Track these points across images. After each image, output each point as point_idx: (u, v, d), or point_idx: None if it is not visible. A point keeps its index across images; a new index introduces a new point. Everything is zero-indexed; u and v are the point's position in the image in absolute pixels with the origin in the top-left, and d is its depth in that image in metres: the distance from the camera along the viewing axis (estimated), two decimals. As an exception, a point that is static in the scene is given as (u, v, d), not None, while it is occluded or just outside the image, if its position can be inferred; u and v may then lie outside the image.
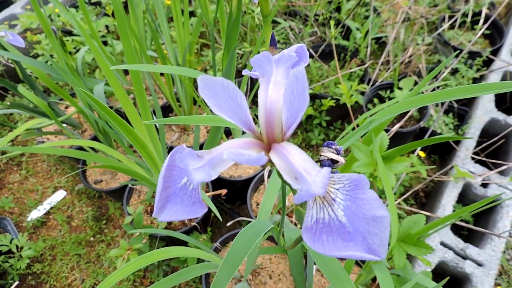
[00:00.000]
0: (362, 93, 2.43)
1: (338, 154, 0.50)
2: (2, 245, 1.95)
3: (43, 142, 2.27)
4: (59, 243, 2.20)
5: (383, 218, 0.40)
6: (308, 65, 2.55)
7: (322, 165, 0.51)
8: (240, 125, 0.49)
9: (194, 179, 0.43)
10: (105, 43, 2.67)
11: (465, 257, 1.73)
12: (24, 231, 2.26)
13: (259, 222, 0.70)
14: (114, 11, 1.14)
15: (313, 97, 2.40)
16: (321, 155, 0.51)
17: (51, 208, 2.36)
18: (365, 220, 0.41)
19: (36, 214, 2.31)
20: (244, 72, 0.54)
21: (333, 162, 0.50)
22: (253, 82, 2.43)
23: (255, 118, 0.90)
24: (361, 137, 1.33)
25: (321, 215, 0.43)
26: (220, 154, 0.45)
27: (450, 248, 1.75)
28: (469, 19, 2.91)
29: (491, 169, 2.13)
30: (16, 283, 2.00)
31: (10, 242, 1.99)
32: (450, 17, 3.00)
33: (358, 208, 0.41)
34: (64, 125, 2.18)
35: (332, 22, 2.09)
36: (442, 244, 1.76)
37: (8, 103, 1.78)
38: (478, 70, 2.66)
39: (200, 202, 0.47)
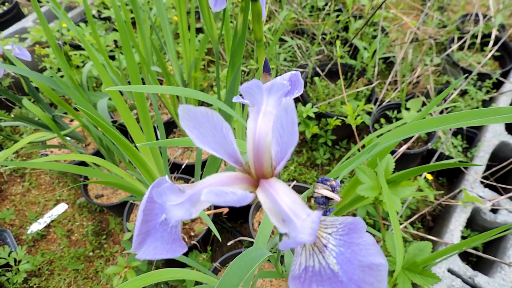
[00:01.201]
0: (369, 113, 2.40)
1: (333, 191, 0.47)
2: (0, 258, 1.93)
3: (46, 155, 2.27)
4: (58, 258, 2.17)
5: (380, 266, 0.36)
6: (315, 83, 2.54)
7: (315, 202, 0.47)
8: (226, 158, 0.45)
9: (172, 217, 0.39)
10: (112, 57, 2.70)
11: (473, 286, 1.66)
12: (24, 244, 2.23)
13: (255, 249, 0.67)
14: (118, 26, 1.14)
15: (319, 116, 2.37)
16: (314, 192, 0.47)
17: (52, 221, 2.34)
18: (360, 268, 0.37)
19: (36, 227, 2.29)
20: (234, 99, 0.51)
21: (328, 199, 0.47)
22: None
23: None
24: (368, 159, 1.30)
25: (310, 263, 0.39)
26: (201, 190, 0.40)
27: (458, 276, 1.68)
28: (478, 40, 2.89)
29: (501, 194, 2.06)
30: (12, 297, 1.97)
31: (9, 255, 1.97)
32: (459, 38, 2.98)
33: (353, 255, 0.37)
34: (68, 138, 2.18)
35: (338, 42, 2.08)
36: (450, 271, 1.69)
37: (12, 116, 1.79)
38: (487, 92, 2.62)
39: (180, 240, 0.44)
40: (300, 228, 0.35)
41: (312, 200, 0.47)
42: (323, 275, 0.38)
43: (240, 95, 0.50)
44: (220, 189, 0.37)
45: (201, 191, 0.38)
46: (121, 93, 2.39)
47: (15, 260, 2.00)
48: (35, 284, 2.07)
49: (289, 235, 0.36)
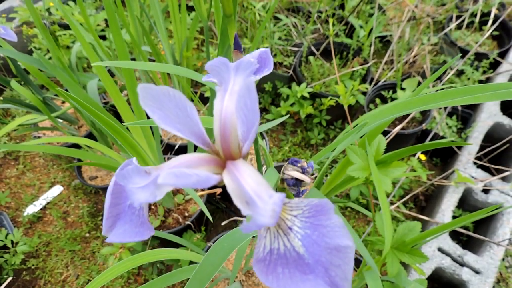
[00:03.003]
0: (364, 93, 2.38)
1: (304, 172, 0.46)
2: (-3, 240, 1.95)
3: (39, 137, 2.25)
4: (54, 239, 2.19)
5: (347, 248, 0.36)
6: (310, 63, 2.51)
7: (286, 184, 0.46)
8: (192, 139, 0.44)
9: (136, 200, 0.38)
10: (103, 37, 2.64)
11: (462, 264, 1.69)
12: (20, 226, 2.25)
13: (239, 231, 0.67)
14: (104, 5, 1.10)
15: (314, 96, 2.35)
16: (284, 173, 0.46)
17: (48, 203, 2.35)
18: (327, 250, 0.36)
19: (32, 209, 2.30)
20: (204, 78, 0.50)
21: (299, 181, 0.46)
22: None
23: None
24: (360, 138, 1.29)
25: (275, 245, 0.38)
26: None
27: (447, 255, 1.71)
28: (477, 19, 2.84)
29: (493, 175, 2.08)
30: (10, 278, 1.99)
31: (6, 237, 1.98)
32: (458, 17, 2.93)
33: (320, 237, 0.37)
34: (60, 120, 2.16)
35: (331, 20, 2.04)
36: (440, 250, 1.72)
37: (1, 98, 1.76)
38: (484, 72, 2.60)
39: (147, 223, 0.43)
40: (262, 211, 0.35)
41: (285, 183, 0.46)
42: (288, 257, 0.37)
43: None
44: (182, 170, 0.36)
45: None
46: (112, 74, 2.36)
47: (12, 242, 2.01)
48: (33, 265, 2.10)
49: (252, 217, 0.35)
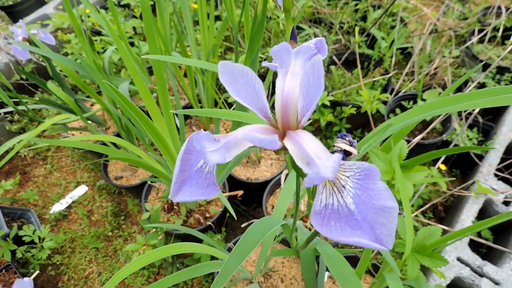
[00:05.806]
0: (384, 103, 2.40)
1: (351, 145, 0.51)
2: (25, 235, 2.02)
3: (68, 137, 2.35)
4: (79, 236, 2.27)
5: (391, 209, 0.41)
6: (331, 72, 2.55)
7: None
8: (257, 111, 0.51)
9: (210, 161, 0.45)
10: (131, 44, 2.76)
11: (482, 275, 1.67)
12: (47, 223, 2.34)
13: (273, 217, 0.71)
14: (142, 12, 1.18)
15: (334, 104, 2.39)
16: (334, 146, 0.52)
17: (73, 202, 2.44)
18: (373, 210, 0.41)
19: (58, 207, 2.39)
20: (264, 63, 0.57)
21: (346, 154, 0.52)
22: (275, 85, 2.45)
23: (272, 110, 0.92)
24: (380, 144, 1.32)
25: (330, 201, 0.44)
26: (235, 137, 0.47)
27: (467, 265, 1.70)
28: (500, 33, 2.84)
29: (515, 187, 2.06)
30: (37, 272, 2.07)
31: (33, 233, 2.06)
32: (480, 31, 2.93)
33: (368, 198, 0.42)
34: (89, 122, 2.26)
35: (357, 29, 2.09)
36: (459, 259, 1.71)
37: (37, 99, 1.87)
38: (506, 85, 2.59)
39: (215, 184, 0.50)
40: (322, 166, 0.41)
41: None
42: (340, 212, 0.43)
43: (263, 60, 0.54)
44: (253, 133, 0.42)
45: (235, 138, 0.46)
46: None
47: (39, 237, 2.10)
48: (58, 260, 2.17)
49: (313, 173, 0.40)
